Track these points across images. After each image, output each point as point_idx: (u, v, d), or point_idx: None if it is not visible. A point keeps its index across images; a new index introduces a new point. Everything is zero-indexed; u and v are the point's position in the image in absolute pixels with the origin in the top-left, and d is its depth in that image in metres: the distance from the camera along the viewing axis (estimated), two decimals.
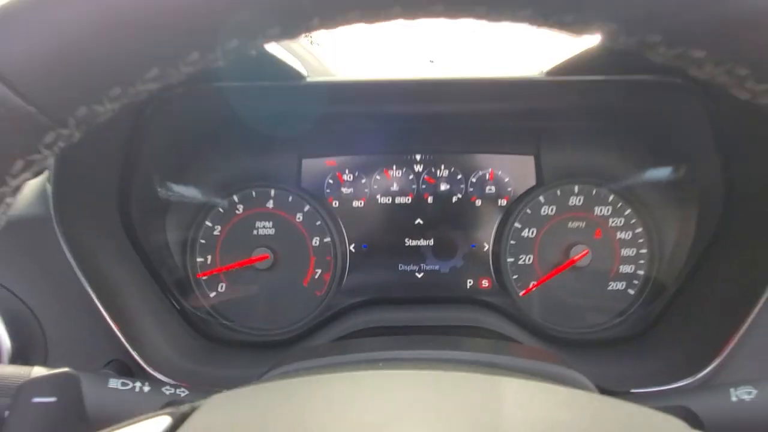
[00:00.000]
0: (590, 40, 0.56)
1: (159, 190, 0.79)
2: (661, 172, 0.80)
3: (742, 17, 0.22)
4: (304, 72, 0.63)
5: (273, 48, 0.58)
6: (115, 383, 0.49)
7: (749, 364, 0.63)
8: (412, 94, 0.68)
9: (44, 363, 0.68)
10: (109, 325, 0.66)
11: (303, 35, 0.27)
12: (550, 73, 0.62)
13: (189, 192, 0.83)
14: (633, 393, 0.63)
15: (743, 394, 0.48)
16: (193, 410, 0.30)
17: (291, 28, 0.26)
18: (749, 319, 0.62)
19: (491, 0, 0.24)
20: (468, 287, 0.85)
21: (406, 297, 0.85)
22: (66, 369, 0.39)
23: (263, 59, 0.58)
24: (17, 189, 0.27)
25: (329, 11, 0.25)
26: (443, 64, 1.34)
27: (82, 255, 0.65)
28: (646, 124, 0.77)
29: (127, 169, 0.71)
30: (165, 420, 0.29)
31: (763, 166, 0.64)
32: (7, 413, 0.42)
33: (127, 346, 0.67)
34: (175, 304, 0.79)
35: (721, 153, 0.67)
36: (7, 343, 0.65)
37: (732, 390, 0.48)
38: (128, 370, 0.70)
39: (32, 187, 0.68)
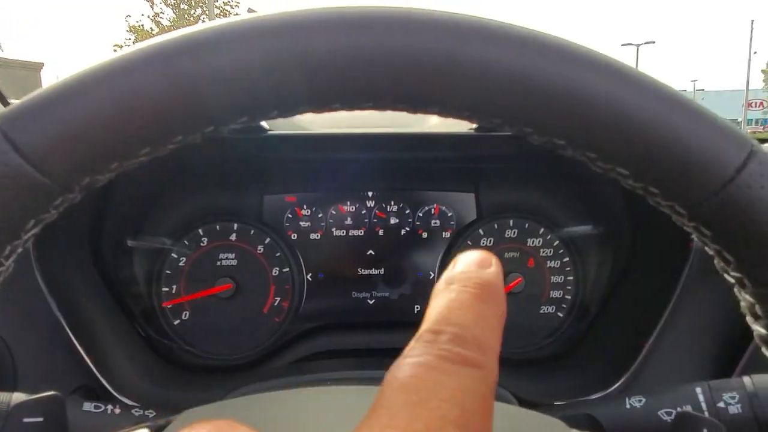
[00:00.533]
0: None
1: (127, 232, 0.85)
2: (581, 211, 0.91)
3: (586, 121, 0.30)
4: (266, 125, 0.71)
5: None
6: (88, 406, 0.55)
7: (651, 379, 0.73)
8: (360, 146, 0.77)
9: (14, 389, 0.72)
10: (78, 352, 0.71)
11: (266, 121, 0.35)
12: (477, 129, 0.72)
13: (156, 230, 0.89)
14: (555, 405, 0.72)
15: (635, 402, 0.57)
16: (168, 423, 0.36)
17: (256, 119, 0.33)
18: (649, 343, 0.72)
19: (407, 102, 0.32)
20: (416, 312, 0.94)
21: (359, 322, 0.92)
22: (53, 392, 0.44)
23: None
24: (27, 241, 0.34)
25: (286, 108, 0.32)
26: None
27: (56, 288, 0.70)
28: (567, 172, 0.88)
29: (98, 213, 0.76)
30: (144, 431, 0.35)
31: (659, 213, 0.75)
32: None
33: (96, 372, 0.72)
34: (141, 331, 0.84)
35: (626, 202, 0.79)
36: None
37: (627, 399, 0.58)
38: (95, 395, 0.74)
39: None
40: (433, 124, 0.83)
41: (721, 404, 0.53)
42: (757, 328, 0.36)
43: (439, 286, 0.22)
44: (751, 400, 0.52)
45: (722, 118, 0.31)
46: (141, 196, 0.85)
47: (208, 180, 0.90)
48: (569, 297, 0.93)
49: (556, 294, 0.93)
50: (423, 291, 0.94)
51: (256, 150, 0.76)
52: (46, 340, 0.72)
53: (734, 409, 0.52)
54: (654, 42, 41.90)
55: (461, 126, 0.76)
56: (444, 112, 0.33)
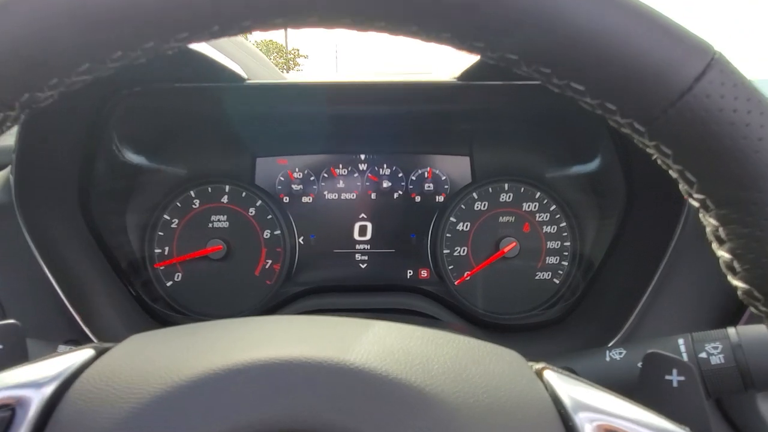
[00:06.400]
0: None
1: (119, 185, 0.85)
2: (577, 173, 0.89)
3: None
4: (244, 75, 0.70)
5: (216, 54, 0.65)
6: (64, 349, 0.55)
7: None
8: (345, 96, 0.76)
9: None
10: (66, 307, 0.71)
11: (207, 40, 0.33)
12: (460, 77, 0.70)
13: (148, 188, 0.89)
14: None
15: (615, 354, 0.55)
16: (114, 346, 0.36)
17: (197, 35, 0.32)
18: (642, 303, 0.70)
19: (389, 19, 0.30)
20: (408, 276, 0.93)
21: (351, 285, 0.92)
22: (12, 321, 0.45)
23: (206, 64, 0.65)
24: None
25: (226, 22, 0.31)
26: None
27: (44, 242, 0.71)
28: (559, 127, 0.85)
29: (87, 165, 0.76)
30: (89, 352, 0.35)
31: (654, 167, 0.72)
32: None
33: (84, 327, 0.72)
34: (132, 291, 0.85)
35: (619, 154, 0.75)
36: None
37: (607, 351, 0.56)
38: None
39: None
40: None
41: (703, 355, 0.51)
42: (722, 254, 0.34)
43: None
44: (735, 351, 0.50)
45: (682, 25, 0.29)
46: (131, 145, 0.85)
47: (200, 143, 0.90)
48: (566, 263, 0.90)
49: (552, 260, 0.91)
50: (416, 255, 0.92)
51: (236, 101, 0.75)
52: (36, 294, 0.73)
53: (716, 359, 0.50)
54: None
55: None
56: (422, 34, 0.31)
